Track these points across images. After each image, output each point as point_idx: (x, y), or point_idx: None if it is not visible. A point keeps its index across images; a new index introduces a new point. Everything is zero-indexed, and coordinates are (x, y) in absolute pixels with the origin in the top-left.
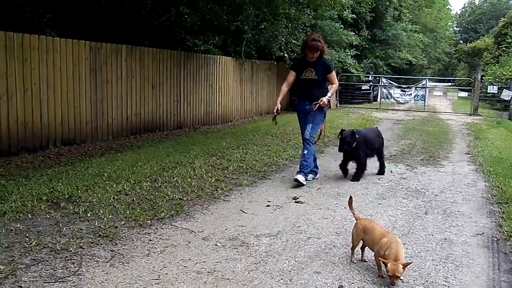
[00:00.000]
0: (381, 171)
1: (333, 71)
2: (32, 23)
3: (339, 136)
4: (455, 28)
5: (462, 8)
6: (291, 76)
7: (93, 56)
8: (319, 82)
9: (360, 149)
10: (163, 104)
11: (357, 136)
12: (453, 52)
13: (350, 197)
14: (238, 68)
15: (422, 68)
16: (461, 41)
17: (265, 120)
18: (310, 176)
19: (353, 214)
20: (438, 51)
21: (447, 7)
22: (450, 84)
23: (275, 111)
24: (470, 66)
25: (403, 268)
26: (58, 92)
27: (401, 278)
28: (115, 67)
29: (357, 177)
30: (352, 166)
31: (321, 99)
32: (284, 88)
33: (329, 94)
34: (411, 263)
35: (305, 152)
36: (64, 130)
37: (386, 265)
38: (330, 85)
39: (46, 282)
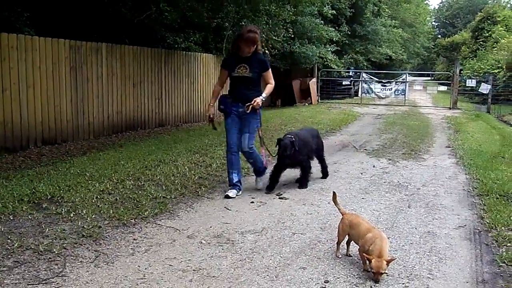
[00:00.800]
0: (324, 174)
1: (270, 69)
2: (10, 22)
3: (277, 147)
4: (433, 23)
5: (440, 3)
6: (224, 74)
7: (73, 55)
8: (253, 80)
9: (301, 153)
10: (144, 102)
11: (296, 142)
12: (432, 46)
13: (334, 192)
14: (219, 65)
15: (401, 62)
16: (439, 36)
17: None
18: (234, 192)
19: (339, 209)
20: (417, 46)
21: (425, 2)
22: (429, 78)
23: (208, 118)
24: (449, 60)
25: (387, 264)
26: (37, 91)
27: (385, 273)
28: (96, 66)
29: (304, 182)
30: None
31: (255, 99)
32: (217, 88)
33: (263, 95)
34: (394, 259)
35: (251, 161)
36: (45, 129)
37: (370, 261)
38: (266, 85)
39: (30, 284)
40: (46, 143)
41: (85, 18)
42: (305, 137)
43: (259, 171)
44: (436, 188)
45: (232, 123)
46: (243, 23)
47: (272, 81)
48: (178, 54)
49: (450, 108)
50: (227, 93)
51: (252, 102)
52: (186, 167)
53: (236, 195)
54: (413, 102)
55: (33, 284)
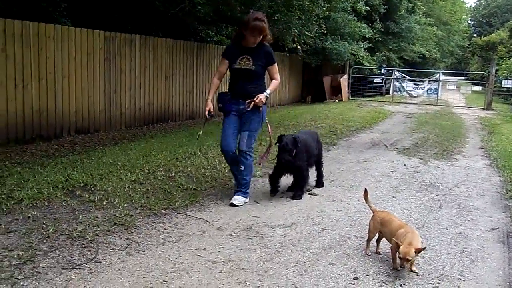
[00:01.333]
0: (319, 183)
1: (276, 63)
2: (47, 12)
3: (278, 144)
4: (469, 22)
5: (477, 1)
6: (224, 65)
7: (107, 46)
8: (257, 74)
9: (301, 159)
10: (175, 95)
11: (298, 143)
12: (467, 45)
13: (365, 190)
14: None
15: (435, 61)
16: (475, 35)
17: (277, 112)
18: (242, 199)
19: (370, 207)
20: (452, 45)
21: (462, 0)
22: (463, 78)
23: (206, 113)
24: (484, 60)
25: (416, 252)
26: (72, 81)
27: (414, 269)
28: (129, 57)
29: (299, 194)
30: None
31: (258, 96)
32: (216, 81)
33: (267, 91)
34: (424, 248)
35: (242, 168)
36: (78, 119)
37: (399, 247)
38: (271, 80)
39: (64, 269)
40: (79, 132)
41: (119, 9)
42: (306, 140)
43: (243, 183)
44: (469, 189)
45: (229, 123)
46: (275, 18)
47: (278, 77)
48: (210, 47)
49: (484, 109)
50: (227, 87)
51: (255, 99)
52: (216, 160)
53: (245, 203)
54: (445, 101)
55: (67, 269)
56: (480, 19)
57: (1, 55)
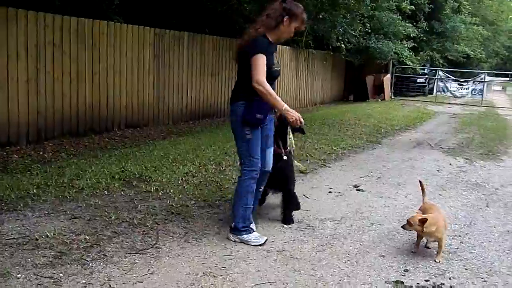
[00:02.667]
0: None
1: None
2: (101, 10)
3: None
4: None
5: None
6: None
7: (157, 43)
8: None
9: (289, 169)
10: (221, 92)
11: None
12: None
13: (420, 182)
14: (294, 58)
15: (479, 61)
16: None
17: (320, 110)
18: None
19: (423, 198)
20: (497, 45)
21: None
22: (509, 79)
23: (302, 120)
24: None
25: (419, 222)
26: (123, 76)
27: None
28: (177, 54)
29: (289, 216)
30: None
31: (293, 115)
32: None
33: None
34: (426, 219)
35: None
36: (128, 113)
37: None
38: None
39: (128, 253)
40: (129, 127)
41: (169, 7)
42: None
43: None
44: None
45: (258, 137)
46: (321, 16)
47: None
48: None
49: None
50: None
51: (294, 119)
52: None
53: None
54: (490, 102)
55: (131, 253)
56: None
57: (57, 51)
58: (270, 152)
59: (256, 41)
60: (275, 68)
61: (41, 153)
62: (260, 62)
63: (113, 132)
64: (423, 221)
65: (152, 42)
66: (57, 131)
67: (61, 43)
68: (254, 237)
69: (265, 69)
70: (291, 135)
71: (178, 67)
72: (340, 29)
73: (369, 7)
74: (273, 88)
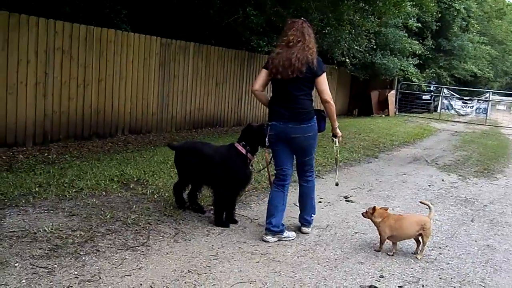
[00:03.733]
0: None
1: None
2: (109, 18)
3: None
4: None
5: None
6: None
7: (163, 52)
8: None
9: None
10: (225, 102)
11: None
12: None
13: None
14: None
15: (488, 81)
16: None
17: None
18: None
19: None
20: (507, 64)
21: None
22: None
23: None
24: None
25: (372, 209)
26: (129, 84)
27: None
28: (182, 63)
29: (220, 218)
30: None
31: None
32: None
33: None
34: (375, 209)
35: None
36: (132, 119)
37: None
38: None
39: (119, 249)
40: (132, 132)
41: (176, 17)
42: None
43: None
44: (504, 207)
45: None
46: (326, 31)
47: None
48: (260, 57)
49: None
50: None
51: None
52: (260, 165)
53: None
54: (495, 122)
55: (122, 249)
56: None
57: (66, 56)
58: None
59: (321, 61)
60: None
61: (45, 154)
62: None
63: (116, 137)
64: (373, 210)
65: (158, 51)
66: (62, 133)
67: (69, 49)
68: (291, 234)
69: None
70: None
71: (183, 76)
72: (345, 44)
73: (375, 24)
74: None
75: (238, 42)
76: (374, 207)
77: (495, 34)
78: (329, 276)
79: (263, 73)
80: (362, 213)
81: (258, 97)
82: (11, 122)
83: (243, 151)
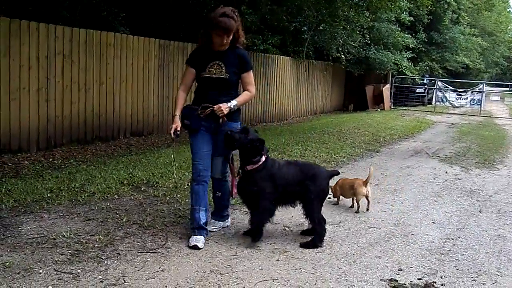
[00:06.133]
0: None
1: (252, 70)
2: (107, 21)
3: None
4: None
5: None
6: (190, 74)
7: (161, 53)
8: (231, 84)
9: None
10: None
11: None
12: None
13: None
14: (295, 68)
15: (479, 72)
16: None
17: (321, 119)
18: (202, 240)
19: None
20: (497, 55)
21: (508, 10)
22: (508, 89)
23: (172, 132)
24: None
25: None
26: (129, 86)
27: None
28: (181, 64)
29: (255, 232)
30: None
31: (219, 105)
32: (182, 94)
33: (234, 102)
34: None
35: (218, 194)
36: (134, 122)
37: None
38: (244, 91)
39: (140, 252)
40: (134, 135)
41: (173, 19)
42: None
43: (222, 209)
44: (509, 197)
45: (203, 142)
46: (321, 28)
47: (253, 89)
48: (256, 55)
49: None
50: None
51: (215, 107)
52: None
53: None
54: (489, 112)
55: (142, 252)
56: None
57: (67, 61)
58: (218, 162)
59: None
60: (203, 75)
61: (50, 159)
62: (185, 71)
63: (118, 140)
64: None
65: (157, 52)
66: (65, 138)
67: (70, 54)
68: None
69: (186, 77)
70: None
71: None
72: (340, 40)
73: (369, 19)
74: (210, 95)
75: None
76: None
77: (484, 25)
78: (349, 271)
79: None
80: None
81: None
82: (15, 128)
83: None
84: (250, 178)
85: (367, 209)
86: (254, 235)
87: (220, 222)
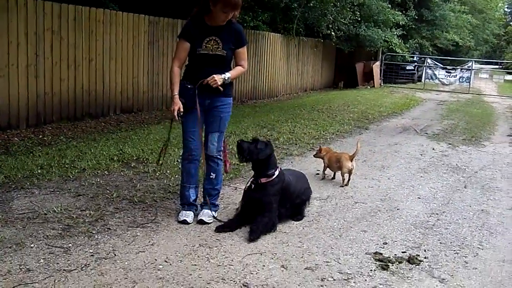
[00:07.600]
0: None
1: (246, 45)
2: None
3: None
4: (505, 9)
5: None
6: (184, 49)
7: (151, 30)
8: (228, 60)
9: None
10: None
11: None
12: (503, 34)
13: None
14: (285, 45)
15: (469, 49)
16: (511, 23)
17: (310, 96)
18: (191, 215)
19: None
20: (487, 33)
21: None
22: (497, 66)
23: (175, 114)
24: None
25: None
26: (119, 63)
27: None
28: (171, 41)
29: (257, 232)
30: None
31: (212, 76)
32: (176, 70)
33: (227, 74)
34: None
35: (213, 176)
36: (123, 98)
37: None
38: (237, 66)
39: (130, 227)
40: (124, 111)
41: None
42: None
43: (214, 193)
44: (493, 173)
45: (195, 120)
46: (311, 5)
47: (246, 64)
48: (246, 32)
49: None
50: (196, 77)
51: (209, 78)
52: None
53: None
54: (477, 90)
55: (132, 227)
56: None
57: (56, 37)
58: (213, 138)
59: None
60: (200, 51)
61: (40, 136)
62: (178, 44)
63: (108, 116)
64: (320, 149)
65: (147, 29)
66: (55, 115)
67: (59, 30)
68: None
69: (179, 52)
70: None
71: (171, 54)
72: (330, 17)
73: None
74: (206, 72)
75: None
76: (320, 147)
77: (475, 3)
78: (335, 244)
79: None
80: (313, 155)
81: None
82: (4, 104)
83: None
84: (264, 190)
85: (346, 184)
86: (253, 239)
87: (213, 212)
